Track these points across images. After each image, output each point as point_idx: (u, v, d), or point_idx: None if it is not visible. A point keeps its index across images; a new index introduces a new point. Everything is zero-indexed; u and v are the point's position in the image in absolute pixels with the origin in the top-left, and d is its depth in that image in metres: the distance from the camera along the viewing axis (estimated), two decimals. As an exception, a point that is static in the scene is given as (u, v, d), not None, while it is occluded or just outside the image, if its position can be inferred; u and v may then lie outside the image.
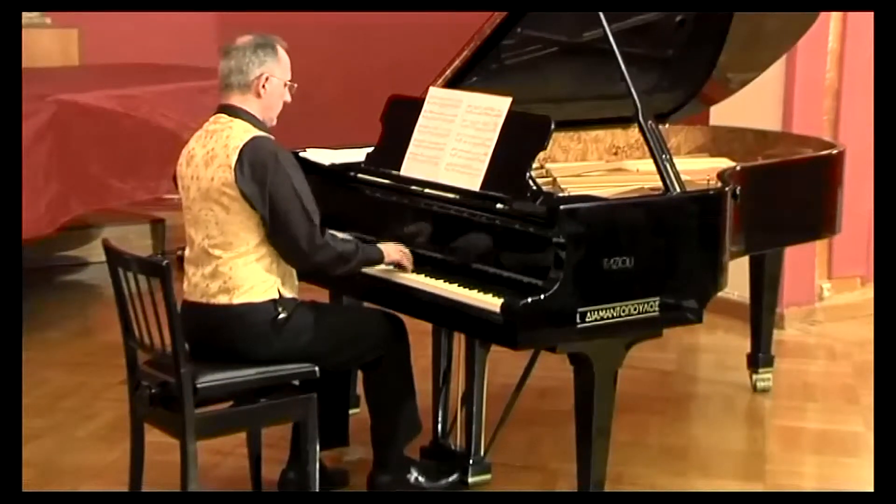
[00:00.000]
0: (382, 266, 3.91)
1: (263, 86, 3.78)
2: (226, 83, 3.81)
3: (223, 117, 3.80)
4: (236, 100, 3.80)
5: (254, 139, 3.71)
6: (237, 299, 3.72)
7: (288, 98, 3.86)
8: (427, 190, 4.02)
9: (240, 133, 3.73)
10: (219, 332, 3.74)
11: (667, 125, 5.04)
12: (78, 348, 5.65)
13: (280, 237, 3.72)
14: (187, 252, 3.85)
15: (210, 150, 3.74)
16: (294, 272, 3.83)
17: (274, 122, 3.86)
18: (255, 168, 3.67)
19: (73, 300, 6.35)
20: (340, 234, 3.96)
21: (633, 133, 4.93)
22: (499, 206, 3.79)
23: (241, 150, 3.68)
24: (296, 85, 3.86)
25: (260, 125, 3.79)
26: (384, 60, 7.89)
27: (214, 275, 3.74)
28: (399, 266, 3.91)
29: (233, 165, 3.67)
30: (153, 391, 3.74)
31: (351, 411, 4.42)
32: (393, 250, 3.92)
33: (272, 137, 3.78)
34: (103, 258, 3.83)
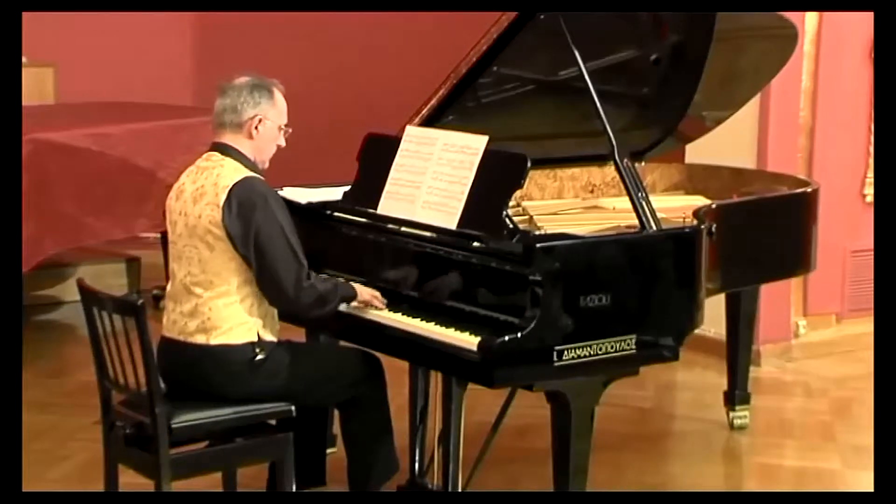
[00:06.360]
0: (349, 305, 3.89)
1: (256, 127, 3.77)
2: (219, 121, 3.80)
3: (215, 155, 3.79)
4: (228, 139, 3.79)
5: (244, 179, 3.70)
6: (214, 340, 3.70)
7: (282, 143, 3.85)
8: (404, 228, 4.02)
9: (230, 172, 3.72)
10: (195, 370, 3.72)
11: (643, 163, 5.06)
12: (52, 388, 5.59)
13: (265, 278, 3.70)
14: (168, 286, 3.83)
15: (200, 187, 3.73)
16: (276, 314, 3.82)
17: (266, 166, 3.85)
18: (242, 207, 3.66)
19: (47, 340, 6.30)
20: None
21: (610, 171, 4.94)
22: (475, 244, 3.79)
23: (231, 190, 3.67)
24: (290, 129, 3.85)
25: (251, 165, 3.78)
26: (364, 95, 7.89)
27: (193, 313, 3.72)
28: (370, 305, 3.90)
29: (221, 204, 3.66)
30: (128, 431, 3.72)
31: (328, 451, 4.39)
32: (366, 291, 3.91)
33: (263, 178, 3.77)
34: (78, 297, 3.81)
